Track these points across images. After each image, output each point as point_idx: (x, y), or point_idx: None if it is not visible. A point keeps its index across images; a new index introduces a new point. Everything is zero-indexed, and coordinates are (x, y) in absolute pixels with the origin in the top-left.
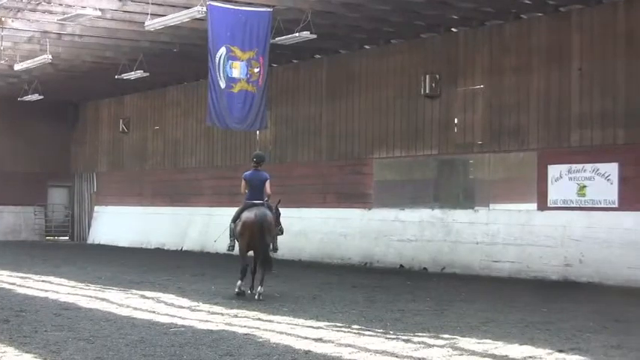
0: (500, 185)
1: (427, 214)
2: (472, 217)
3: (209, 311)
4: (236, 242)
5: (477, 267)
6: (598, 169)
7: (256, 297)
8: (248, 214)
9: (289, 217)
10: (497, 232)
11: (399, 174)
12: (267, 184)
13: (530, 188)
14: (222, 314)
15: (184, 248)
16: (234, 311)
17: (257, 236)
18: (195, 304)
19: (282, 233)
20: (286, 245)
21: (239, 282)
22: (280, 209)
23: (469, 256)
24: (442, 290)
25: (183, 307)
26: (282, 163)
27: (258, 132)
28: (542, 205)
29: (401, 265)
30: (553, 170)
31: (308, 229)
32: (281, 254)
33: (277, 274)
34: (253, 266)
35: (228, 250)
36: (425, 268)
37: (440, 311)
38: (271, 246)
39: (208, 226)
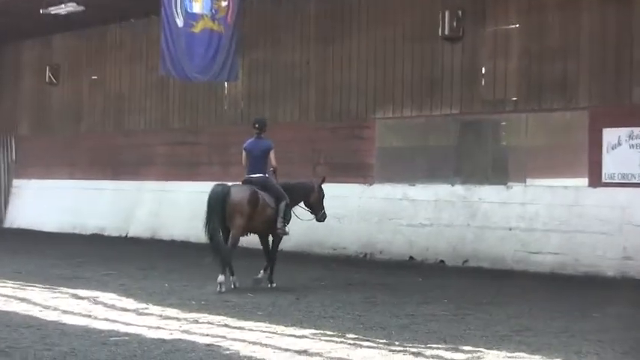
0: (541, 154)
1: (445, 191)
2: (504, 195)
3: (161, 315)
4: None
5: (510, 260)
6: None
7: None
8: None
9: None
10: (536, 214)
11: (410, 139)
12: (272, 155)
13: (580, 158)
14: (177, 319)
15: (130, 234)
16: (194, 315)
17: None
18: (144, 306)
19: (323, 219)
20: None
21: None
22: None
23: (500, 246)
24: (464, 289)
25: (128, 310)
26: None
27: (226, 84)
28: (595, 181)
29: (411, 257)
30: (609, 135)
31: (292, 209)
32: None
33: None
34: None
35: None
36: (442, 261)
37: (460, 316)
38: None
39: (160, 205)
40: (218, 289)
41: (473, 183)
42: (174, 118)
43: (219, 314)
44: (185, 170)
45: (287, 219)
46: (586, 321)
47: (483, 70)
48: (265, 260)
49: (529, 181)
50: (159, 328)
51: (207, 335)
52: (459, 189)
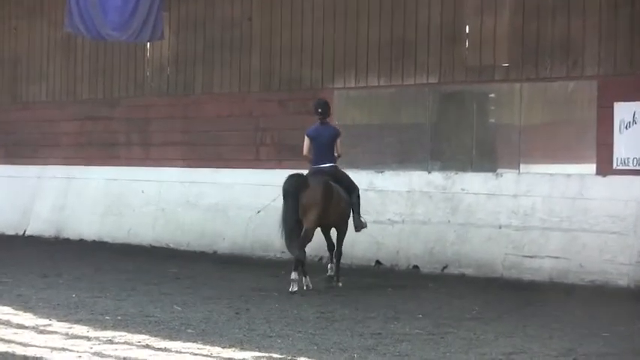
0: (538, 135)
1: (421, 179)
2: (492, 184)
3: (67, 334)
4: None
5: (500, 265)
6: None
7: (333, 284)
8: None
9: (198, 182)
10: (532, 209)
11: (376, 115)
12: (339, 142)
13: (586, 140)
14: (88, 338)
15: (28, 232)
16: (108, 333)
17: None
18: (46, 321)
19: (364, 226)
20: (193, 230)
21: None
22: (179, 170)
23: (487, 248)
24: (443, 302)
25: (26, 328)
26: (186, 96)
27: (149, 45)
28: (605, 167)
29: (377, 262)
30: (622, 111)
31: (229, 202)
32: (185, 243)
33: (178, 274)
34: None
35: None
36: (416, 267)
37: (439, 336)
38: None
39: (66, 197)
40: (290, 288)
41: (454, 169)
42: (84, 88)
43: (139, 332)
44: (97, 152)
45: (359, 212)
46: (593, 341)
47: (467, 29)
48: (331, 257)
49: (523, 167)
50: (64, 349)
51: (125, 358)
52: (437, 177)
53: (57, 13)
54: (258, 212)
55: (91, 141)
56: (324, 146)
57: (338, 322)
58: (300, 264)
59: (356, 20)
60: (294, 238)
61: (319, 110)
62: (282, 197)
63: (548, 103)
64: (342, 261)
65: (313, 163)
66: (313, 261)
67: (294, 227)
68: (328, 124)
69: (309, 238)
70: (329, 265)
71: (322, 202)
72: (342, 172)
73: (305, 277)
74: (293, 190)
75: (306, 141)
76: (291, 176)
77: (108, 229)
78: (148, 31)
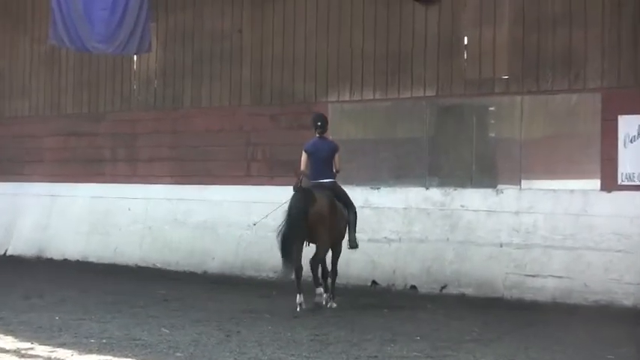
0: (540, 149)
1: (418, 196)
2: (493, 201)
3: (50, 358)
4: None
5: (501, 285)
6: None
7: (328, 305)
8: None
9: (186, 199)
10: (534, 226)
11: (372, 129)
12: (337, 157)
13: (589, 154)
14: None
15: (10, 252)
16: (93, 357)
17: (305, 230)
18: (27, 345)
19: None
20: (181, 249)
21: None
22: (166, 186)
23: (487, 267)
24: (441, 323)
25: (7, 351)
26: (174, 110)
27: (135, 58)
28: (610, 183)
29: (373, 282)
30: (627, 124)
31: (218, 220)
32: (174, 262)
33: (166, 295)
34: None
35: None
36: (413, 287)
37: (437, 359)
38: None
39: (50, 216)
40: (298, 309)
41: (453, 186)
42: (68, 102)
43: (125, 356)
44: (82, 169)
45: (355, 230)
46: None
47: (466, 41)
48: (323, 278)
49: (525, 183)
50: None
51: None
52: (435, 193)
53: (41, 25)
54: (254, 224)
55: (76, 157)
56: (323, 161)
57: (333, 345)
58: (299, 281)
59: (350, 31)
60: (294, 253)
61: (318, 124)
62: (285, 211)
63: (550, 117)
64: (337, 281)
65: (312, 178)
66: (307, 280)
67: (297, 242)
68: (326, 138)
69: (325, 256)
70: (318, 290)
71: (331, 218)
72: (341, 188)
73: (326, 293)
74: (302, 205)
75: (304, 156)
76: (298, 191)
77: (93, 248)
78: (135, 43)
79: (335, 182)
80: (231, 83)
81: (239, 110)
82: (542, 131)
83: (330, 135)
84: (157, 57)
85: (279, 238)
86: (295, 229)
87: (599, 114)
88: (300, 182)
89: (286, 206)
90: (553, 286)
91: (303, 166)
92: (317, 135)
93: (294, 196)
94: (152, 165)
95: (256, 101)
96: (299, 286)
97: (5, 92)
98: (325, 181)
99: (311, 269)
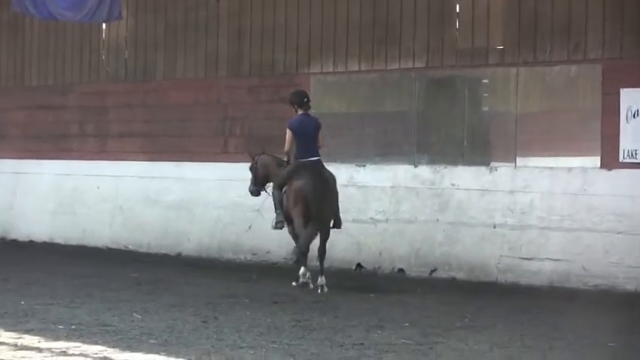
0: (536, 124)
1: (406, 173)
2: (486, 179)
3: (16, 345)
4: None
5: (494, 268)
6: None
7: (319, 290)
8: (303, 179)
9: (160, 177)
10: (529, 206)
11: (357, 103)
12: (320, 134)
13: (589, 130)
14: (39, 349)
15: None
16: (62, 344)
17: (320, 207)
18: None
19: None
20: (154, 229)
21: (301, 269)
22: (138, 163)
23: (480, 249)
24: (431, 309)
25: None
26: (146, 82)
27: (104, 26)
28: (610, 160)
29: (359, 265)
30: (630, 98)
31: (194, 199)
32: (146, 244)
33: (138, 279)
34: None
35: (276, 227)
36: (401, 270)
37: (427, 346)
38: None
39: (15, 194)
40: (304, 285)
41: (443, 163)
42: (33, 73)
43: (95, 343)
44: (48, 144)
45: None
46: (598, 352)
47: (457, 8)
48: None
49: (520, 160)
50: None
51: None
52: (424, 171)
53: None
54: (250, 228)
55: (41, 132)
56: (311, 139)
57: (316, 332)
58: (305, 258)
59: None
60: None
61: (305, 100)
62: (299, 192)
63: (548, 90)
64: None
65: (300, 156)
66: (286, 265)
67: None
68: (310, 115)
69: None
70: (307, 275)
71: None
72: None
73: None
74: (323, 185)
75: (289, 134)
76: (307, 162)
77: (60, 229)
78: (105, 10)
79: (321, 160)
80: (206, 54)
81: (216, 83)
82: (538, 105)
83: (312, 109)
84: (128, 25)
85: (300, 220)
86: (320, 210)
87: (599, 87)
88: (256, 163)
89: (297, 185)
90: (550, 269)
91: (288, 146)
92: (301, 112)
93: (309, 177)
94: (123, 140)
95: (234, 73)
96: (305, 263)
97: None
98: (314, 159)
99: (320, 254)
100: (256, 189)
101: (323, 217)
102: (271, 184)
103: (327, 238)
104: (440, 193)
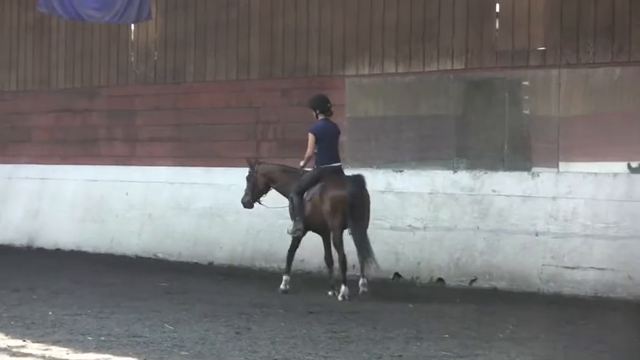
0: (580, 128)
1: (445, 179)
2: (527, 186)
3: (44, 356)
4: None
5: (537, 278)
6: None
7: (340, 297)
8: (342, 189)
9: (190, 183)
10: (573, 213)
11: (393, 106)
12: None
13: (634, 133)
14: None
15: None
16: (91, 356)
17: (356, 215)
18: (19, 342)
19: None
20: (184, 238)
21: (285, 277)
22: (168, 169)
23: (522, 258)
24: (471, 319)
25: None
26: (176, 84)
27: (133, 27)
28: None
29: (396, 274)
30: None
31: (226, 206)
32: (176, 253)
33: (169, 288)
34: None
35: (294, 234)
36: (440, 280)
37: (468, 358)
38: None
39: (41, 200)
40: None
41: (483, 168)
42: (60, 76)
43: (125, 355)
44: (75, 149)
45: None
46: None
47: (497, 8)
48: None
49: (563, 165)
50: None
51: None
52: (463, 177)
53: None
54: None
55: (68, 136)
56: (334, 144)
57: (353, 343)
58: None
59: None
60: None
61: (328, 106)
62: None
63: (591, 92)
64: (356, 273)
65: (322, 162)
66: (321, 273)
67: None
68: (331, 120)
69: None
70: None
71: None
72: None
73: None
74: (363, 193)
75: (312, 139)
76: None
77: (88, 237)
78: (134, 11)
79: (341, 165)
80: (238, 55)
81: (247, 85)
82: (581, 108)
83: (346, 113)
84: (157, 26)
85: (340, 232)
86: (361, 219)
87: None
88: (256, 172)
89: (337, 195)
90: (594, 279)
91: (310, 150)
92: (322, 117)
93: (348, 186)
94: (152, 145)
95: (266, 75)
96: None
97: None
98: (336, 164)
99: (362, 263)
100: (250, 200)
101: (363, 226)
102: (264, 195)
103: (361, 243)
104: (480, 200)
